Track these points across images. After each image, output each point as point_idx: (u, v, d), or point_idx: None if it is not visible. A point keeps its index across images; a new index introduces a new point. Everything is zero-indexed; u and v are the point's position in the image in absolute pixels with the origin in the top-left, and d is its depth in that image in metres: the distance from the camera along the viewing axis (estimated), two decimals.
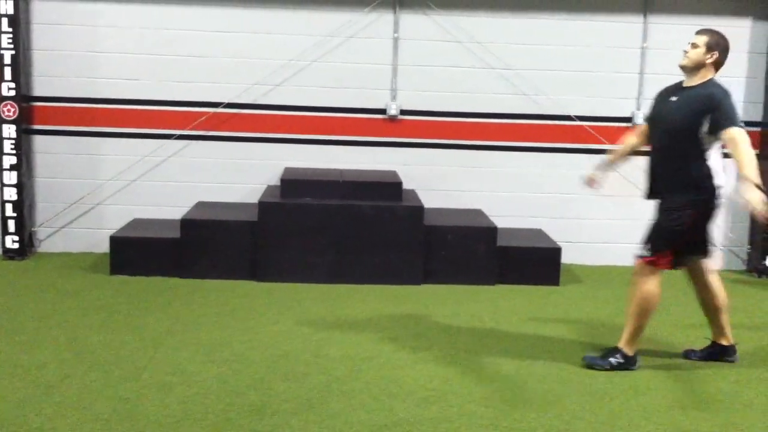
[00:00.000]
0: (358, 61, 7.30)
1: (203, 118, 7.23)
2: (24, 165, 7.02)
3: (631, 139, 5.11)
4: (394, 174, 7.15)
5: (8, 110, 6.91)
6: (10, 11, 6.78)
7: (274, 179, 7.17)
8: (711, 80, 4.59)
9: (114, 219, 7.20)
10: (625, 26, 7.38)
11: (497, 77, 7.36)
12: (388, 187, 6.74)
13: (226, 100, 7.22)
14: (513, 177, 7.50)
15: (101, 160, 7.26)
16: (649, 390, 4.47)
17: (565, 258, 6.98)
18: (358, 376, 4.52)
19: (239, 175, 7.33)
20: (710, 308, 4.91)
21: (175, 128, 7.24)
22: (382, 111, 7.37)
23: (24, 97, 7.02)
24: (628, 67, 7.43)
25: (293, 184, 6.71)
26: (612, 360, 4.75)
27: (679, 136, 4.56)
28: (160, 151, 7.25)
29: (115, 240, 6.62)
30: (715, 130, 4.46)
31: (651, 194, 4.76)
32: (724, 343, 4.96)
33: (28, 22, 7.04)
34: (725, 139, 4.44)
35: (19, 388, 4.18)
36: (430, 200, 7.11)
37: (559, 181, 7.50)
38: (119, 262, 6.56)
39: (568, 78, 7.41)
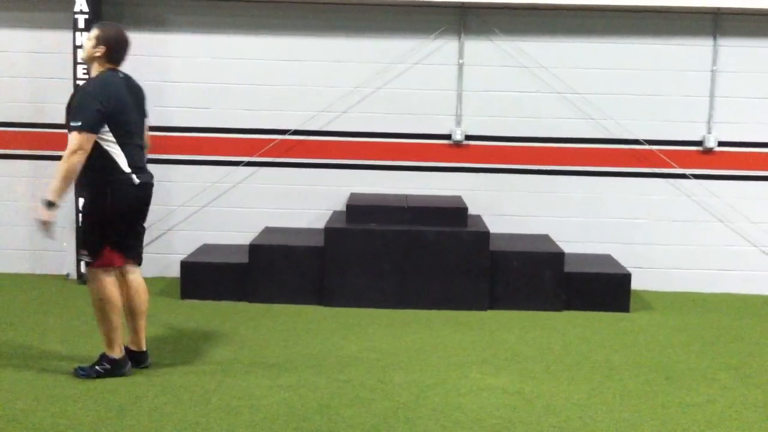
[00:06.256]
0: (423, 87, 7.34)
1: (270, 145, 7.34)
2: None
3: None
4: (459, 199, 7.14)
5: None
6: None
7: (340, 205, 7.23)
8: (100, 73, 4.63)
9: (184, 244, 7.36)
10: (695, 49, 7.25)
11: (563, 101, 7.31)
12: (454, 212, 6.73)
13: (292, 127, 7.33)
14: (581, 202, 7.42)
15: (172, 186, 7.42)
16: (722, 421, 4.34)
17: (635, 284, 6.85)
18: (424, 402, 4.49)
19: (306, 201, 7.42)
20: (129, 310, 4.86)
21: (242, 155, 7.38)
22: (447, 137, 7.39)
23: None
24: (697, 91, 7.29)
25: (359, 209, 6.75)
26: (98, 368, 4.74)
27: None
28: (229, 177, 7.39)
29: (185, 265, 6.76)
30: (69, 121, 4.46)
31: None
32: (135, 348, 4.89)
33: None
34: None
35: (93, 410, 4.27)
36: (496, 226, 7.09)
37: (628, 206, 7.40)
38: (189, 286, 6.70)
39: (636, 102, 7.32)
